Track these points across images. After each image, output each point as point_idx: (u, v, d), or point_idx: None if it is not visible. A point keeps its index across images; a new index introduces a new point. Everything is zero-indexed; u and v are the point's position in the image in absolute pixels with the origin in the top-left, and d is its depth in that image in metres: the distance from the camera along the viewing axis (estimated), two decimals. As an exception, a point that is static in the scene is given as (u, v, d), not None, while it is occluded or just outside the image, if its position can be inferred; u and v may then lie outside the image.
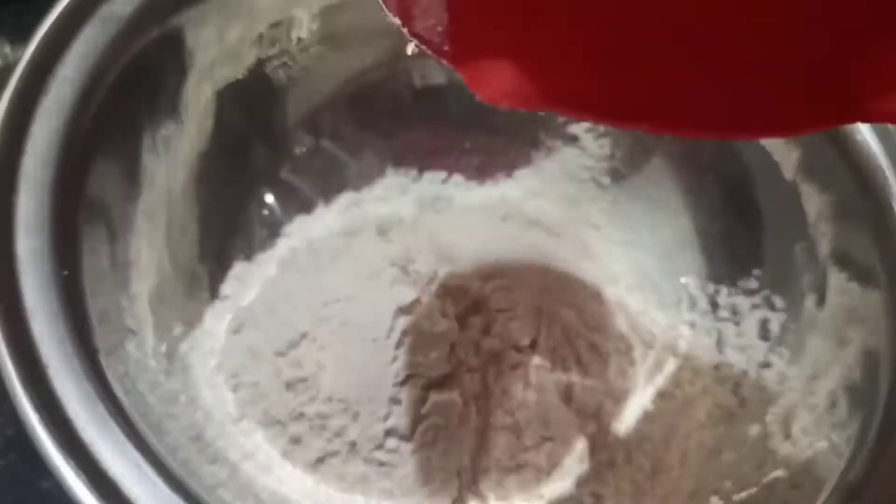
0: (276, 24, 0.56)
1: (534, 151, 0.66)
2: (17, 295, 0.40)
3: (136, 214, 0.50)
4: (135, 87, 0.49)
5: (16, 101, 0.44)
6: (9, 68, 0.46)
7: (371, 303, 0.52)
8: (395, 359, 0.50)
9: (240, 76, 0.56)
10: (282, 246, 0.61)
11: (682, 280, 0.63)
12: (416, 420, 0.50)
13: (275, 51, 0.57)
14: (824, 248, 0.53)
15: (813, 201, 0.53)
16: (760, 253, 0.58)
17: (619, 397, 0.57)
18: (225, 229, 0.59)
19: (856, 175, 0.51)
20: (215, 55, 0.54)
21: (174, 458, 0.41)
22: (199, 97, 0.54)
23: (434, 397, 0.50)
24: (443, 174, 0.66)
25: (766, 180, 0.56)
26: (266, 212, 0.61)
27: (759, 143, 0.56)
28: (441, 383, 0.51)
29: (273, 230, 0.61)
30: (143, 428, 0.40)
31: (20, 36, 0.48)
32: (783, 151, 0.54)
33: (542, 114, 0.65)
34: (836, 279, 0.52)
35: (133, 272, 0.49)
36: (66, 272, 0.41)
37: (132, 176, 0.49)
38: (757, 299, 0.57)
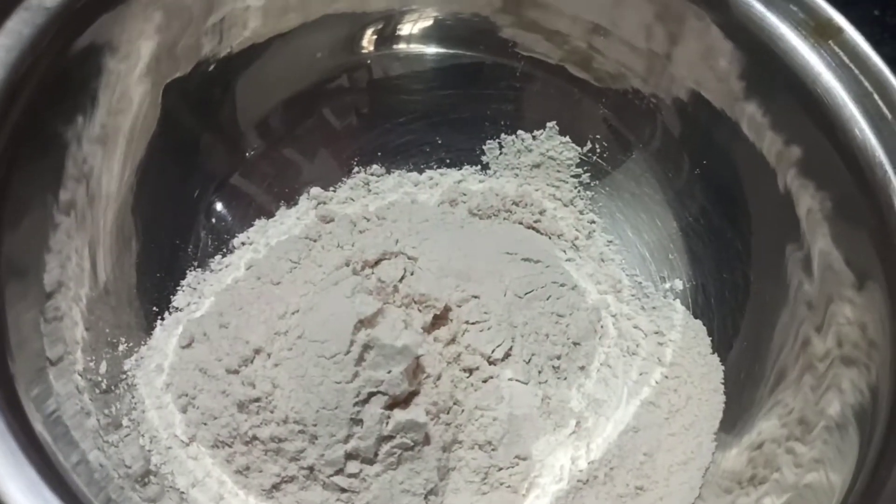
0: (221, 17, 0.51)
1: (508, 145, 0.63)
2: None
3: (69, 225, 0.46)
4: (65, 85, 0.45)
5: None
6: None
7: (330, 314, 0.47)
8: (355, 375, 0.46)
9: (185, 72, 0.52)
10: (239, 253, 0.57)
11: (668, 283, 0.59)
12: (380, 441, 0.46)
13: (221, 45, 0.53)
14: (818, 248, 0.49)
15: (806, 200, 0.50)
16: (749, 254, 0.54)
17: (601, 410, 0.53)
18: (174, 236, 0.55)
19: (854, 171, 0.47)
20: (157, 50, 0.50)
21: (101, 498, 0.36)
22: (140, 95, 0.50)
23: (398, 416, 0.46)
24: (413, 172, 0.62)
25: (756, 177, 0.52)
26: (214, 220, 0.57)
27: (748, 139, 0.52)
28: (406, 400, 0.48)
29: (226, 237, 0.57)
30: (65, 465, 0.36)
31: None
32: (777, 148, 0.50)
33: (510, 105, 0.61)
34: (832, 282, 0.48)
35: (63, 289, 0.45)
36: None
37: (62, 183, 0.46)
38: (747, 304, 0.54)
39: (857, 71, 0.48)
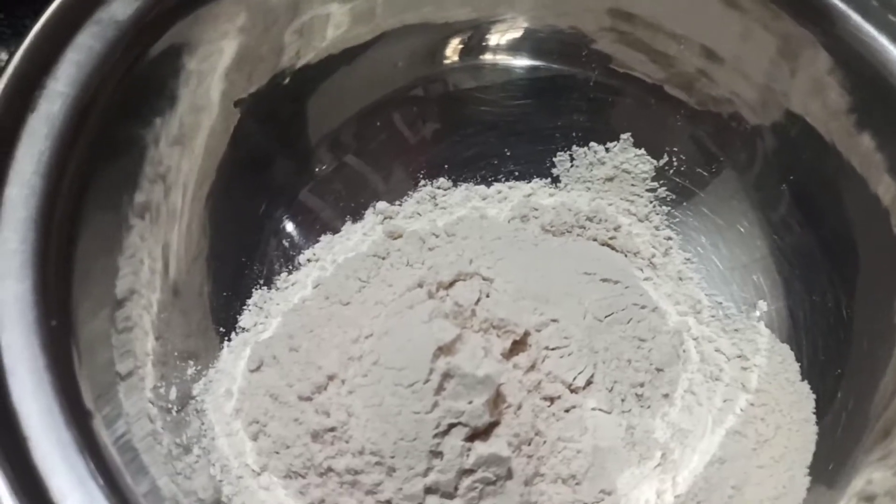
0: (299, 26, 0.49)
1: (580, 157, 0.60)
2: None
3: (138, 244, 0.44)
4: (137, 99, 0.44)
5: (-3, 120, 0.38)
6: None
7: (406, 340, 0.45)
8: (434, 406, 0.44)
9: (259, 86, 0.50)
10: (305, 271, 0.55)
11: (753, 303, 0.56)
12: (460, 475, 0.44)
13: (299, 55, 0.51)
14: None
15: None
16: (846, 280, 0.51)
17: (687, 441, 0.50)
18: (241, 253, 0.53)
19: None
20: (230, 61, 0.48)
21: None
22: (212, 108, 0.48)
23: (479, 449, 0.44)
24: (481, 185, 0.60)
25: (863, 209, 0.49)
26: (281, 237, 0.55)
27: (857, 172, 0.49)
28: (486, 431, 0.45)
29: (292, 253, 0.55)
30: (135, 493, 0.34)
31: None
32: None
33: (583, 116, 0.59)
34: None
35: (134, 296, 0.43)
36: (54, 322, 0.35)
37: (133, 200, 0.44)
38: (841, 330, 0.51)
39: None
